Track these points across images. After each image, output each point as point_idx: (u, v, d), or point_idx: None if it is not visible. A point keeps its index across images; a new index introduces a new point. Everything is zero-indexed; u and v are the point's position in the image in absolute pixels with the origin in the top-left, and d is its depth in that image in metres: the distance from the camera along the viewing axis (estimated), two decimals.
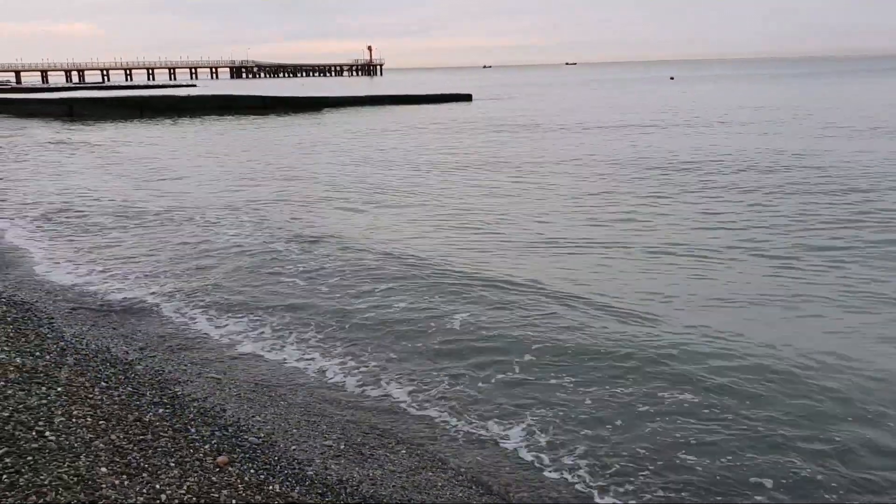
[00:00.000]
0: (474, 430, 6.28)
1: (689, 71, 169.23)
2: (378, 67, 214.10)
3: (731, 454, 5.76)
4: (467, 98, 61.64)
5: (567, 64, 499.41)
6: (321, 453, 5.78)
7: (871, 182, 16.90)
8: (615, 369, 7.33)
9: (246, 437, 5.96)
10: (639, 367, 7.34)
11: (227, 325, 8.96)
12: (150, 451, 5.16)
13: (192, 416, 6.23)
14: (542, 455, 5.84)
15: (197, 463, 5.20)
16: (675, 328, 8.35)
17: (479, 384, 7.15)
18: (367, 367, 7.64)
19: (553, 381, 7.11)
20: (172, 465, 5.04)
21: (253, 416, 6.39)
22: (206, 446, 5.63)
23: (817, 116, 35.76)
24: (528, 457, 5.83)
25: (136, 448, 5.16)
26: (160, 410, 6.21)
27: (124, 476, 4.69)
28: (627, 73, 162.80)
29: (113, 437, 5.27)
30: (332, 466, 5.57)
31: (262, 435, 6.04)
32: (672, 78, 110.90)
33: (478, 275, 10.54)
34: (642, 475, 5.54)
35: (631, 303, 9.21)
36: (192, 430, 5.92)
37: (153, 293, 10.17)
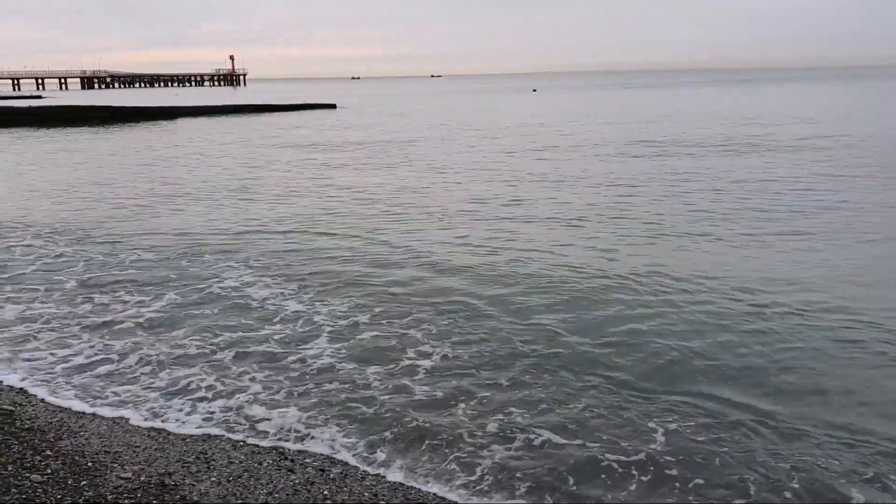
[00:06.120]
0: (289, 456, 5.83)
1: (559, 81, 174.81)
2: (241, 77, 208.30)
3: None
4: (332, 106, 65.31)
5: (433, 76, 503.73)
6: (115, 487, 5.14)
7: None
8: None
9: (28, 475, 5.24)
10: None
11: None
12: None
13: None
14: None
15: None
16: None
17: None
18: (168, 387, 7.02)
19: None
20: None
21: (43, 451, 5.65)
22: None
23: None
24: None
25: None
26: None
27: None
28: (494, 84, 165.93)
29: None
30: (126, 502, 4.96)
31: (49, 472, 5.33)
32: (535, 90, 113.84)
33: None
34: None
35: None
36: None
37: None
